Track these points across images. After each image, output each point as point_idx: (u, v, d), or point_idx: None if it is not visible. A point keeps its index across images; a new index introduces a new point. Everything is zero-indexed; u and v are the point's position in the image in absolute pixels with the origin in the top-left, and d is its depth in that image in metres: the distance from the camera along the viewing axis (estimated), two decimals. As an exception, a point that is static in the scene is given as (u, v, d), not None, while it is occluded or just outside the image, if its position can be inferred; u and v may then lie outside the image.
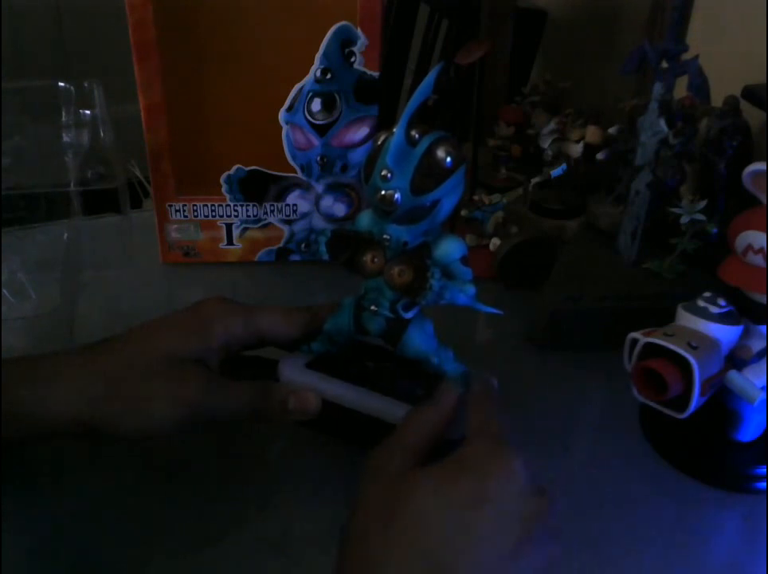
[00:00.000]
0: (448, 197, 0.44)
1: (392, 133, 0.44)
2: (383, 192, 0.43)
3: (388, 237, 0.46)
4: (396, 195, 0.43)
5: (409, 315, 0.47)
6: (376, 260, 0.47)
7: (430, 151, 0.43)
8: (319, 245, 0.48)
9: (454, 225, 0.74)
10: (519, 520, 0.37)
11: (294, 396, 0.47)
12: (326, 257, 0.48)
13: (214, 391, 0.46)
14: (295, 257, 0.75)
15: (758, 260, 0.47)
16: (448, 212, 0.45)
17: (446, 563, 0.35)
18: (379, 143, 0.44)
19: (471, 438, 0.41)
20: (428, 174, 0.43)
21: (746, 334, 0.49)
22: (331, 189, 0.71)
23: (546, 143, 0.82)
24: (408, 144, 0.43)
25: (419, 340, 0.48)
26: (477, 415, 0.43)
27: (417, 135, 0.44)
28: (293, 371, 0.49)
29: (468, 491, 0.37)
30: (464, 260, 0.46)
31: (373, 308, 0.48)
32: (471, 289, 0.46)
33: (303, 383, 0.48)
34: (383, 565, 0.35)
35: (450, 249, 0.46)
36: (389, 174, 0.43)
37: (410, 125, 0.44)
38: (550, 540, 0.38)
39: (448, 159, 0.43)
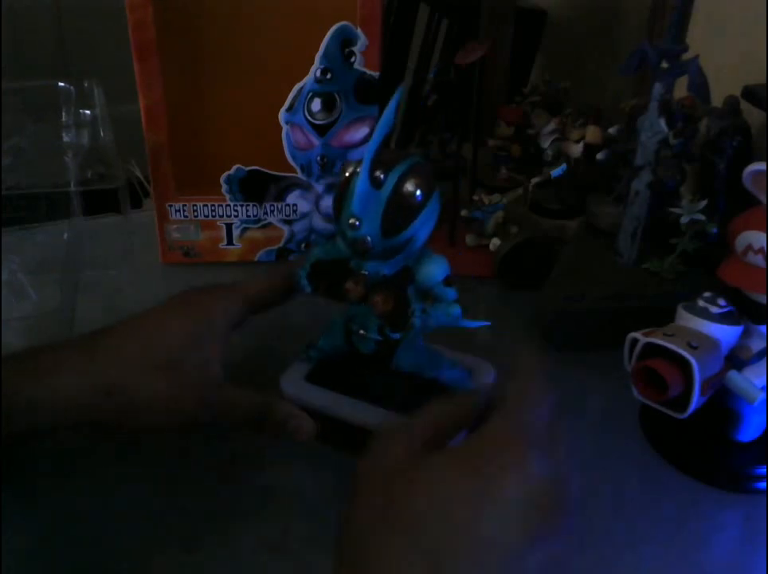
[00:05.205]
0: (422, 229, 0.43)
1: (356, 173, 0.42)
2: (354, 238, 0.42)
3: (366, 272, 0.45)
4: (367, 239, 0.42)
5: (397, 336, 0.46)
6: (359, 287, 0.46)
7: (397, 189, 0.41)
8: (300, 278, 0.48)
9: (454, 225, 0.74)
10: (523, 519, 0.34)
11: (293, 420, 0.47)
12: (308, 290, 0.48)
13: (213, 405, 0.46)
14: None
15: (758, 260, 0.47)
16: (425, 239, 0.44)
17: (445, 562, 0.34)
18: (345, 177, 0.43)
19: (499, 410, 0.37)
20: (398, 214, 0.42)
21: (746, 334, 0.49)
22: (331, 189, 0.71)
23: (546, 143, 0.82)
24: (373, 187, 0.42)
25: (411, 357, 0.47)
26: (516, 385, 0.39)
27: (381, 176, 0.41)
28: (294, 388, 0.49)
29: (470, 488, 0.34)
30: (447, 280, 0.45)
31: (361, 332, 0.47)
32: (456, 310, 0.45)
33: (304, 399, 0.48)
34: (381, 563, 0.34)
35: (432, 271, 0.44)
36: (357, 223, 0.42)
37: (374, 166, 0.42)
38: (553, 539, 0.35)
39: (418, 193, 0.42)
